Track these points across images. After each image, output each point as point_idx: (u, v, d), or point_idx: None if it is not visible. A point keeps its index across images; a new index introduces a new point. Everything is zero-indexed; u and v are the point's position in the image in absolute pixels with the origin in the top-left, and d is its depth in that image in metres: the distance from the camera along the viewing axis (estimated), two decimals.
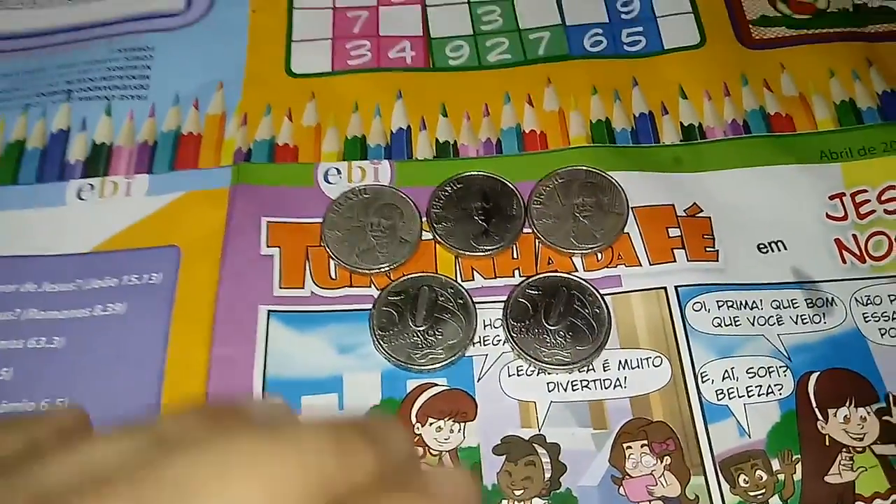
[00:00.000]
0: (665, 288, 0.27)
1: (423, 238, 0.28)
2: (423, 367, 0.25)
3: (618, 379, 0.25)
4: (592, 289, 0.26)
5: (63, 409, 0.23)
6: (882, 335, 0.26)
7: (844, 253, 0.28)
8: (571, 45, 0.33)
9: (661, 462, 0.24)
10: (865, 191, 0.29)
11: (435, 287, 0.26)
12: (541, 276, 0.27)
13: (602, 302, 0.26)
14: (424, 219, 0.28)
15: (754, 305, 0.26)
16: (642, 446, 0.24)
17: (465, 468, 0.20)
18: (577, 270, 0.27)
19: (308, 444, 0.16)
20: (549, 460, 0.24)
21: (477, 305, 0.26)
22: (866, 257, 0.27)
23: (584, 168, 0.28)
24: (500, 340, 0.26)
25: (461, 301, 0.26)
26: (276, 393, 0.24)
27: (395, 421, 0.20)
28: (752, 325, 0.26)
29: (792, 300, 0.26)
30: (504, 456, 0.24)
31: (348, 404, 0.25)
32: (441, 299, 0.26)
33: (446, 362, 0.25)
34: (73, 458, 0.17)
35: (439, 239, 0.27)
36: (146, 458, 0.15)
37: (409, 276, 0.27)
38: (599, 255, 0.27)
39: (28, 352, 0.25)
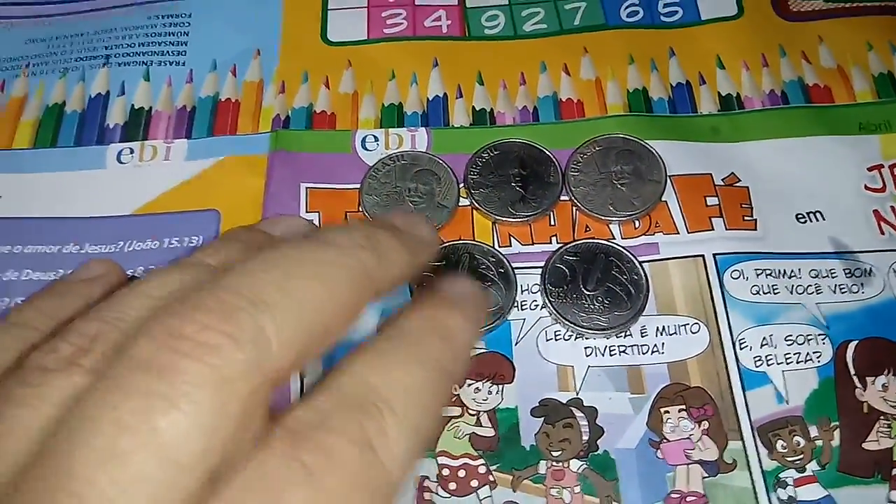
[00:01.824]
0: (703, 256, 0.27)
1: (460, 205, 0.28)
2: None
3: (655, 345, 0.25)
4: (630, 255, 0.26)
5: (98, 263, 0.23)
6: None
7: (882, 224, 0.27)
8: (608, 16, 0.33)
9: (699, 427, 0.24)
10: None
11: (476, 255, 0.26)
12: (579, 242, 0.27)
13: (640, 268, 0.26)
14: (462, 185, 0.28)
15: (793, 274, 0.26)
16: (680, 411, 0.24)
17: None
18: (614, 238, 0.27)
19: (347, 246, 0.18)
20: (586, 423, 0.24)
21: (515, 272, 0.26)
22: None
23: (622, 136, 0.28)
24: (537, 305, 0.26)
25: (502, 270, 0.26)
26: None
27: (420, 216, 0.21)
28: (791, 293, 0.26)
29: (830, 270, 0.26)
30: (542, 418, 0.24)
31: None
32: (482, 267, 0.26)
33: (486, 329, 0.25)
34: (141, 296, 0.18)
35: (477, 205, 0.27)
36: (208, 279, 0.16)
37: (450, 243, 0.27)
38: (637, 222, 0.27)
39: None
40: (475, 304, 0.20)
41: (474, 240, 0.27)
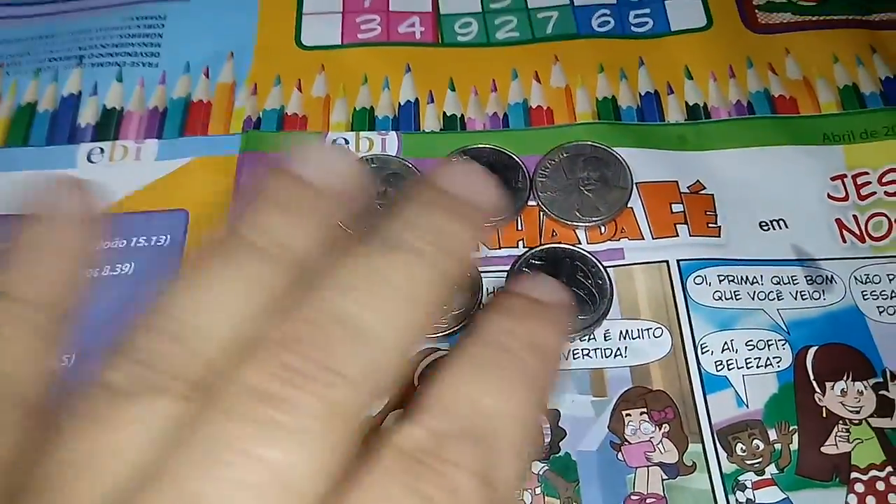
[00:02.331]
0: (667, 261, 0.27)
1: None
2: (428, 336, 0.25)
3: (619, 348, 0.26)
4: (595, 260, 0.27)
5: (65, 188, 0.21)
6: (880, 313, 0.26)
7: (845, 233, 0.28)
8: (579, 25, 0.33)
9: (660, 429, 0.24)
10: (867, 173, 0.29)
11: None
12: (545, 246, 0.27)
13: (604, 273, 0.26)
14: None
15: (755, 280, 0.27)
16: (641, 414, 0.24)
17: None
18: (580, 243, 0.27)
19: (430, 253, 0.18)
20: (548, 425, 0.24)
21: (481, 275, 0.27)
22: (866, 237, 0.28)
23: (590, 143, 0.29)
24: None
25: (467, 274, 0.26)
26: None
27: (476, 166, 0.21)
28: (753, 299, 0.26)
29: (792, 276, 0.27)
30: None
31: None
32: None
33: (451, 331, 0.25)
34: (212, 310, 0.17)
35: None
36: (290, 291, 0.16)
37: None
38: (603, 228, 0.28)
39: None
40: (567, 313, 0.20)
41: None
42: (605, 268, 0.26)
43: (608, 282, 0.26)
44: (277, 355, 0.15)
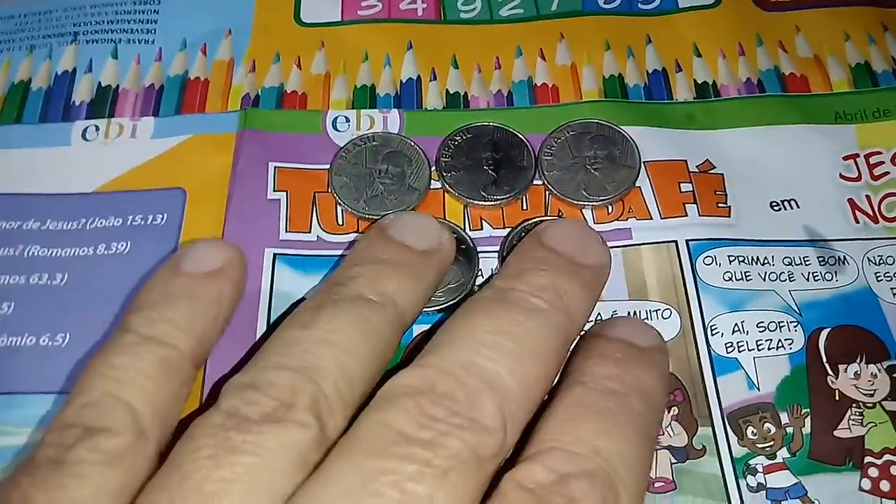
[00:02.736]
0: (676, 242, 0.26)
1: (431, 187, 0.27)
2: (428, 309, 0.25)
3: None
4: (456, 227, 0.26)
5: (215, 249, 0.23)
6: (894, 294, 0.26)
7: (857, 213, 0.27)
8: (585, 2, 0.32)
9: (669, 412, 0.24)
10: (879, 152, 0.28)
11: None
12: (536, 218, 0.26)
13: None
14: (433, 167, 0.27)
15: (766, 261, 0.26)
16: None
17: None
18: (587, 222, 0.27)
19: (548, 310, 0.20)
20: None
21: (486, 254, 0.26)
22: (879, 218, 0.27)
23: (597, 121, 0.28)
24: None
25: (462, 246, 0.26)
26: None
27: (589, 229, 0.24)
28: (764, 280, 0.26)
29: (804, 257, 0.26)
30: None
31: None
32: None
33: (446, 305, 0.25)
34: (326, 344, 0.20)
35: (448, 188, 0.27)
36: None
37: None
38: (610, 207, 0.27)
39: (30, 287, 0.25)
40: (665, 357, 0.22)
41: (444, 220, 0.27)
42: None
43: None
44: (421, 403, 0.17)
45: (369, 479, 0.16)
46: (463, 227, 0.27)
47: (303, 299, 0.25)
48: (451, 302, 0.25)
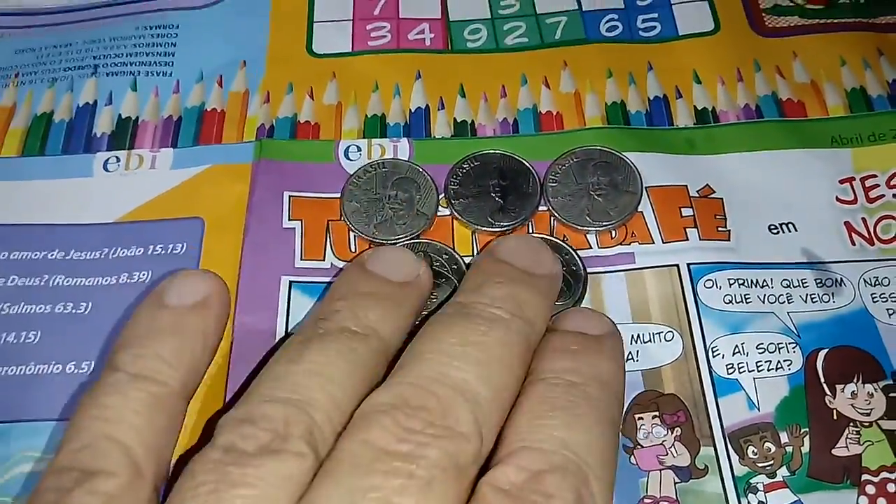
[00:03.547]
0: (677, 265, 0.27)
1: (439, 214, 0.28)
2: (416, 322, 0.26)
3: (630, 353, 0.26)
4: (568, 248, 0.27)
5: (197, 281, 0.23)
6: (890, 315, 0.26)
7: (854, 235, 0.28)
8: (587, 30, 0.33)
9: (672, 433, 0.25)
10: (875, 175, 0.29)
11: (430, 253, 0.27)
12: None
13: (578, 259, 0.27)
14: (442, 195, 0.28)
15: (765, 284, 0.27)
16: (653, 417, 0.25)
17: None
18: (591, 247, 0.28)
19: (508, 320, 0.21)
20: None
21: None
22: (875, 240, 0.28)
23: (599, 148, 0.29)
24: None
25: (455, 266, 0.27)
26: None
27: (537, 241, 0.25)
28: (763, 302, 0.27)
29: (802, 280, 0.27)
30: None
31: None
32: (436, 264, 0.27)
33: None
34: (313, 375, 0.20)
35: (456, 214, 0.28)
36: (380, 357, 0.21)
37: (406, 242, 0.27)
38: (613, 232, 0.28)
39: (55, 316, 0.26)
40: (620, 343, 0.23)
41: (452, 246, 0.27)
42: (577, 253, 0.27)
43: (582, 268, 0.27)
44: (397, 418, 0.18)
45: (356, 497, 0.16)
46: (472, 252, 0.28)
47: (290, 334, 0.25)
48: None
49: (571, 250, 0.27)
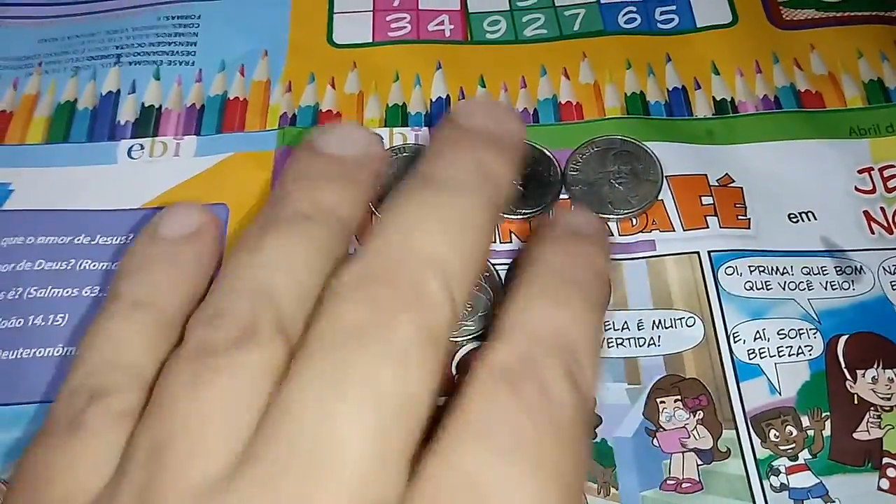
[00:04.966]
0: (698, 253, 0.27)
1: None
2: (457, 338, 0.26)
3: (652, 338, 0.26)
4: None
5: (187, 212, 0.23)
6: None
7: (872, 224, 0.28)
8: (606, 22, 0.33)
9: (694, 416, 0.25)
10: (893, 165, 0.29)
11: None
12: None
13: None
14: None
15: (785, 271, 0.27)
16: (675, 401, 0.25)
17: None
18: (612, 235, 0.28)
19: (474, 186, 0.20)
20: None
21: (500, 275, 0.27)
22: (894, 229, 0.28)
23: (620, 137, 0.29)
24: None
25: (487, 274, 0.27)
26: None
27: (502, 104, 0.26)
28: (783, 289, 0.27)
29: (822, 267, 0.27)
30: None
31: None
32: None
33: (479, 332, 0.26)
34: (278, 269, 0.19)
35: None
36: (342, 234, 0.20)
37: None
38: (634, 220, 0.28)
39: (82, 299, 0.26)
40: (607, 238, 0.23)
41: None
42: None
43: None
44: (365, 293, 0.17)
45: (336, 376, 0.16)
46: (493, 240, 0.28)
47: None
48: (482, 331, 0.26)
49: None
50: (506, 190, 0.21)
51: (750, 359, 0.25)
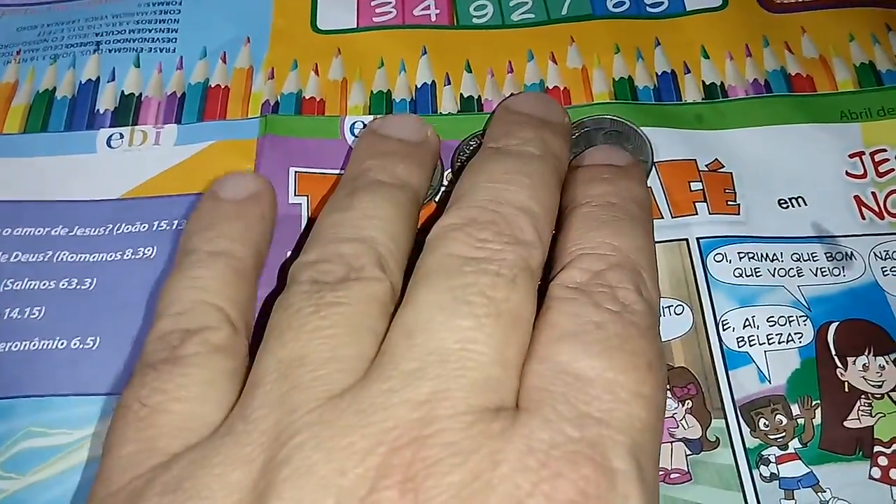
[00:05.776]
0: (687, 239, 0.27)
1: (444, 187, 0.28)
2: None
3: None
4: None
5: (244, 180, 0.26)
6: None
7: (863, 209, 0.28)
8: (594, 6, 0.33)
9: (683, 406, 0.24)
10: (884, 150, 0.29)
11: None
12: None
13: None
14: (448, 170, 0.28)
15: (775, 257, 0.27)
16: None
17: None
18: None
19: (543, 154, 0.24)
20: None
21: None
22: (885, 214, 0.28)
23: (610, 117, 0.29)
24: None
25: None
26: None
27: (545, 96, 0.29)
28: (773, 276, 0.26)
29: (812, 253, 0.27)
30: None
31: None
32: None
33: None
34: (372, 218, 0.22)
35: None
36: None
37: None
38: None
39: (60, 292, 0.26)
40: (643, 171, 0.26)
41: None
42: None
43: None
44: (470, 232, 0.20)
45: (457, 293, 0.18)
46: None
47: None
48: None
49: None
50: (565, 162, 0.24)
51: (739, 347, 0.25)
